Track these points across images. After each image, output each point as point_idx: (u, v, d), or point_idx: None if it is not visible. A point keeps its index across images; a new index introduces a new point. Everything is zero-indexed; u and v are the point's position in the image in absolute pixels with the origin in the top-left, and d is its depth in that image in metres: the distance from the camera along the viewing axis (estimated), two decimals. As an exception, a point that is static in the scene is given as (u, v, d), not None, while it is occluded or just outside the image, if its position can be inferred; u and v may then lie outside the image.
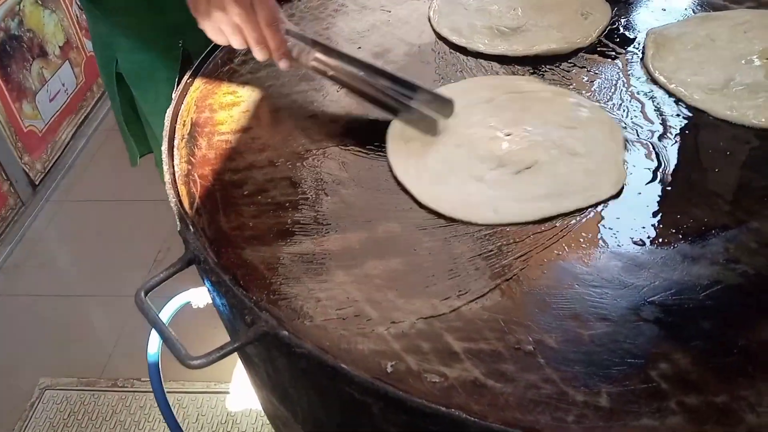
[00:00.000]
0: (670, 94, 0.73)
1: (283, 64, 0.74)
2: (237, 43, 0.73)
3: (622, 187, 0.62)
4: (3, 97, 1.96)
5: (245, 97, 0.79)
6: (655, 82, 0.75)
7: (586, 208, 0.60)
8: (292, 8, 0.96)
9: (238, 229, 0.62)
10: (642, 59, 0.79)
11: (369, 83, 0.73)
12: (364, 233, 0.60)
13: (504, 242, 0.58)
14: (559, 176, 0.63)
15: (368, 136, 0.72)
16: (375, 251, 0.59)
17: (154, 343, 0.75)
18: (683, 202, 0.60)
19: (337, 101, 0.78)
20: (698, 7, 0.88)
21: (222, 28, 0.71)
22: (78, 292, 1.80)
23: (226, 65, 0.85)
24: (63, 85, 2.26)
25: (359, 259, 0.58)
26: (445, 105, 0.71)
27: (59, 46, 2.20)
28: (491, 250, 0.58)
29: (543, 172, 0.64)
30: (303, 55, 0.74)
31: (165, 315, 0.71)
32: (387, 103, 0.73)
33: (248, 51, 0.86)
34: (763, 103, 0.69)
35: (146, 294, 0.56)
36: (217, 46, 0.88)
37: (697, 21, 0.84)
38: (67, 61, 2.25)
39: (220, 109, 0.78)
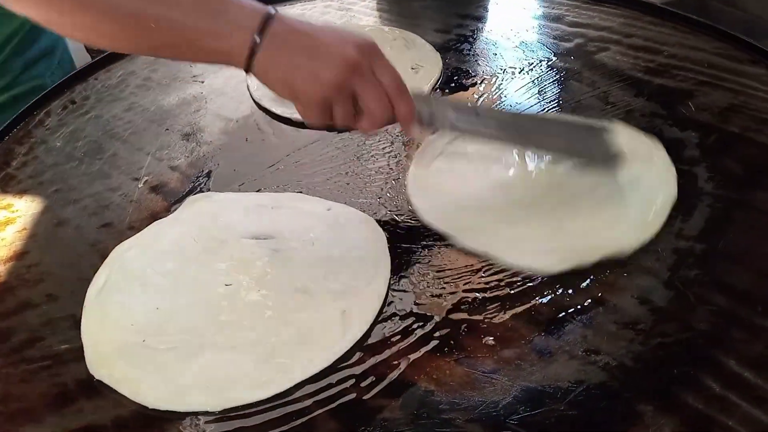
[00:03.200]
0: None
1: (414, 132, 0.59)
2: (345, 124, 0.56)
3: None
4: None
5: (23, 210, 0.65)
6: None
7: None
8: (87, 89, 0.83)
9: (0, 402, 0.48)
10: (477, 112, 0.73)
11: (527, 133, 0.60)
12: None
13: (337, 366, 0.48)
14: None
15: (175, 243, 0.60)
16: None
17: None
18: (530, 281, 0.53)
19: (138, 201, 0.65)
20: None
21: (337, 108, 0.54)
22: None
23: (1, 170, 0.70)
24: None
25: (163, 427, 0.46)
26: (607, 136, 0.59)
27: None
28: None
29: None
30: (438, 118, 0.58)
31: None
32: (568, 149, 0.61)
33: (28, 152, 0.73)
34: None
35: None
36: (-10, 147, 0.73)
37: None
38: None
39: (-11, 232, 0.63)
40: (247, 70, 0.53)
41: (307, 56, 0.52)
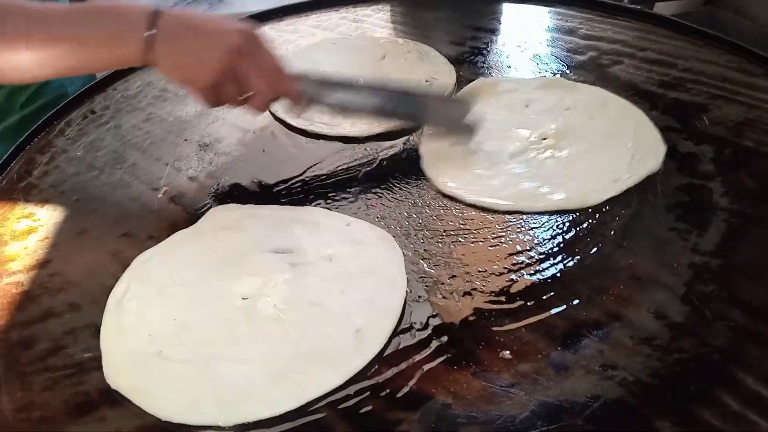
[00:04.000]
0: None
1: (298, 111, 0.68)
2: (235, 104, 0.64)
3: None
4: None
5: (45, 220, 0.66)
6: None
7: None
8: (107, 99, 0.84)
9: (24, 409, 0.49)
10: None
11: (386, 104, 0.68)
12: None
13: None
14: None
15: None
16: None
17: None
18: (546, 294, 0.54)
19: (158, 211, 0.66)
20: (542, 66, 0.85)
21: (226, 90, 0.62)
22: None
23: (23, 180, 0.72)
24: None
25: (181, 432, 0.47)
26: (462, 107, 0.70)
27: None
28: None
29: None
30: (322, 95, 0.67)
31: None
32: (422, 118, 0.72)
33: (49, 161, 0.74)
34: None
35: None
36: (12, 157, 0.74)
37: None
38: None
39: (12, 240, 0.64)
40: (148, 65, 0.60)
41: (193, 45, 0.59)
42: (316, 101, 0.67)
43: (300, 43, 0.93)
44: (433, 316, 0.53)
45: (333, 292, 0.55)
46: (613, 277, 0.55)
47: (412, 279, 0.56)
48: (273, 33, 0.97)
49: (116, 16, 0.59)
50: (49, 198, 0.69)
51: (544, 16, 0.95)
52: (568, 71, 0.81)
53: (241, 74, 0.61)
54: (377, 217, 0.63)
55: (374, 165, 0.70)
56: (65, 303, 0.57)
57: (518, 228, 0.60)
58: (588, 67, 0.81)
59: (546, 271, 0.56)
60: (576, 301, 0.53)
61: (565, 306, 0.53)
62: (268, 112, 0.79)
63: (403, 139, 0.73)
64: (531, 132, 0.71)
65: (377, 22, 0.99)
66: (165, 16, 0.59)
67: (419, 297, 0.55)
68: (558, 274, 0.55)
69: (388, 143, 0.73)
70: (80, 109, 0.82)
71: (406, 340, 0.51)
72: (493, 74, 0.83)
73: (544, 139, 0.70)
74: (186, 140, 0.76)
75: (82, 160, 0.74)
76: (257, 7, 1.02)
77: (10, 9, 0.58)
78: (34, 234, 0.65)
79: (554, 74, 0.81)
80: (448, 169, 0.67)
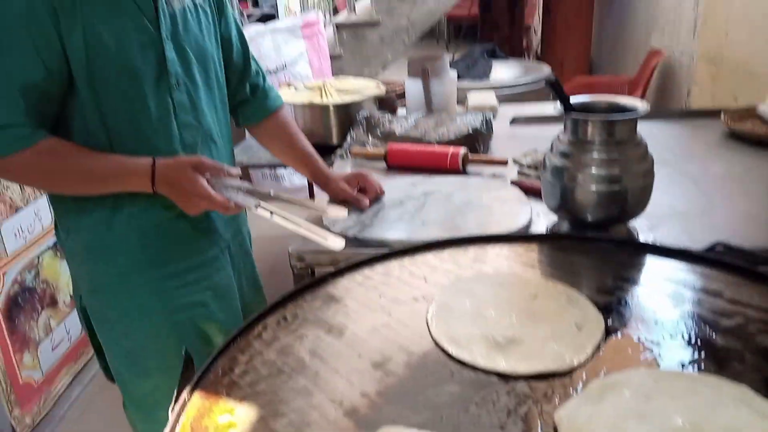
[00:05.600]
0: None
1: (235, 210, 1.22)
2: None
3: None
4: (5, 349, 1.97)
5: (242, 418, 0.78)
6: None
7: None
8: (297, 308, 0.99)
9: None
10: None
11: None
12: None
13: None
14: None
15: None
16: None
17: None
18: None
19: (335, 422, 0.76)
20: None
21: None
22: None
23: (225, 375, 0.85)
24: (68, 333, 2.29)
25: None
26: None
27: (70, 295, 2.27)
28: None
29: None
30: (247, 202, 1.21)
31: None
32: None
33: (248, 361, 0.88)
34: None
35: None
36: (219, 354, 0.89)
37: (596, 393, 0.77)
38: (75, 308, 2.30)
39: (215, 432, 0.76)
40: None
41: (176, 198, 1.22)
42: (241, 204, 1.20)
43: (460, 274, 1.06)
44: None
45: None
46: None
47: None
48: (436, 261, 1.11)
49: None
50: (246, 396, 0.81)
51: (687, 274, 1.02)
52: (714, 335, 0.86)
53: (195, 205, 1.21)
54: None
55: (525, 404, 0.77)
56: (257, 501, 0.66)
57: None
58: (735, 333, 0.86)
59: None
60: None
61: None
62: (430, 339, 0.90)
63: (558, 381, 0.80)
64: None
65: (527, 260, 1.11)
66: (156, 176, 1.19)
67: None
68: None
69: (542, 384, 0.80)
70: (275, 315, 0.98)
71: None
72: (640, 327, 0.90)
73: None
74: (360, 356, 0.88)
75: (273, 363, 0.87)
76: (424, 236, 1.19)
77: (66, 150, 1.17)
78: (233, 429, 0.76)
79: (701, 336, 0.86)
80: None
